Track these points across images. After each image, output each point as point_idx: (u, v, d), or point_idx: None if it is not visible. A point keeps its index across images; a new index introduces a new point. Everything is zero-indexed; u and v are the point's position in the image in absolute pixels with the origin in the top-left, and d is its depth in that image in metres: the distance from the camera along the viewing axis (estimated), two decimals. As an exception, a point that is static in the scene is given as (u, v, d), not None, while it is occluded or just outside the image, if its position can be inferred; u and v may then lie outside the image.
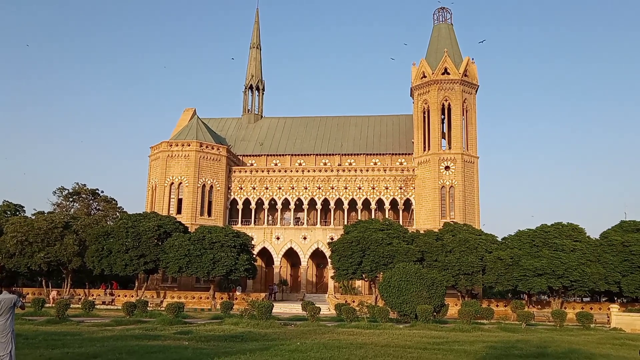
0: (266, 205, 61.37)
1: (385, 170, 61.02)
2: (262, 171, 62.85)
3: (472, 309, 31.27)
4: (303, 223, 61.52)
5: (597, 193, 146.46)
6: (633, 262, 41.09)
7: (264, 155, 67.60)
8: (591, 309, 42.82)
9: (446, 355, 15.56)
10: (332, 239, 55.39)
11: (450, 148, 59.10)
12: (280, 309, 41.02)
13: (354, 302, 42.72)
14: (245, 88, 75.41)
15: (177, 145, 59.82)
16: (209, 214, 59.33)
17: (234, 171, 62.41)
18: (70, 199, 67.33)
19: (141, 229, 45.59)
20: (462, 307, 32.10)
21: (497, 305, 44.54)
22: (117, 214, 62.31)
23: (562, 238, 43.16)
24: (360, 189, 60.50)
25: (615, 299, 48.42)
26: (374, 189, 60.36)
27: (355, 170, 61.40)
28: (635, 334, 27.72)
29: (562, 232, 44.04)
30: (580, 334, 26.13)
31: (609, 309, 36.83)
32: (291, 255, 61.52)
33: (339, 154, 66.13)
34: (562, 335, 24.60)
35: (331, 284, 56.64)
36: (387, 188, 60.21)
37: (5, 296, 11.09)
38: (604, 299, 52.54)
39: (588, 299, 55.49)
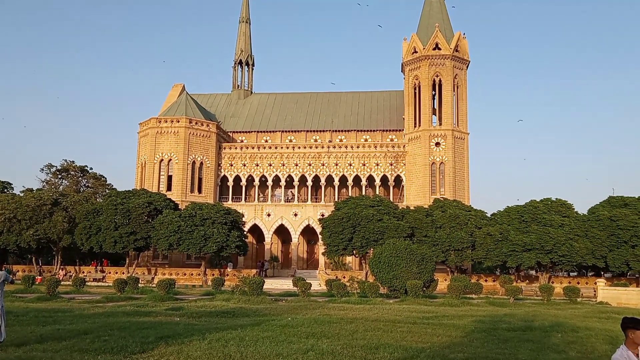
0: (257, 182, 61.23)
1: (375, 147, 60.92)
2: (253, 148, 62.54)
3: (461, 284, 31.62)
4: (294, 200, 61.52)
5: (585, 169, 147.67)
6: (619, 237, 41.62)
7: (254, 131, 67.16)
8: (578, 283, 43.50)
9: (435, 330, 15.74)
10: (322, 215, 55.52)
11: (440, 124, 59.03)
12: (271, 285, 41.26)
13: (344, 277, 43.03)
14: (235, 63, 74.50)
15: (166, 122, 59.23)
16: (199, 191, 59.14)
17: (224, 148, 62.03)
18: (59, 176, 66.77)
19: (131, 206, 45.41)
20: (452, 282, 32.45)
21: (485, 280, 45.10)
22: (107, 191, 61.94)
23: (551, 213, 43.57)
24: (350, 165, 60.44)
25: (602, 273, 49.16)
26: (364, 165, 60.34)
27: (346, 147, 61.28)
28: (620, 307, 28.21)
29: (551, 207, 44.44)
30: (567, 307, 26.54)
31: (595, 283, 37.41)
32: (282, 232, 61.64)
33: (329, 131, 65.86)
34: (549, 309, 24.98)
35: (322, 260, 56.94)
36: (377, 164, 60.21)
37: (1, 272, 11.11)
38: (590, 274, 53.32)
39: (575, 273, 56.31)
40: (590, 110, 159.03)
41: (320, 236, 50.09)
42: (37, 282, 36.84)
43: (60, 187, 65.25)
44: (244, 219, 51.06)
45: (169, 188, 57.83)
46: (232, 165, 61.65)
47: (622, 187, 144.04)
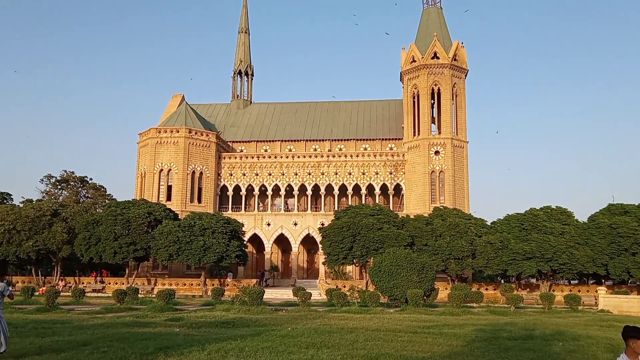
0: (256, 192, 61.22)
1: (375, 156, 60.99)
2: (252, 157, 62.60)
3: (462, 292, 31.54)
4: (293, 209, 61.48)
5: (585, 177, 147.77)
6: (620, 245, 41.50)
7: (254, 141, 67.29)
8: (579, 291, 43.36)
9: (436, 339, 15.68)
10: (322, 224, 55.45)
11: (439, 133, 59.12)
12: (272, 294, 41.13)
13: (344, 287, 42.86)
14: (234, 73, 74.76)
15: (165, 132, 59.34)
16: (199, 201, 59.12)
17: (224, 157, 62.10)
18: (59, 187, 66.69)
19: (131, 216, 45.33)
20: (452, 291, 32.37)
21: (486, 289, 44.96)
22: (107, 202, 61.85)
23: (551, 221, 43.51)
24: (350, 174, 60.47)
25: (603, 281, 49.01)
26: (364, 174, 60.37)
27: (346, 156, 61.33)
28: (622, 315, 28.12)
29: (551, 215, 44.39)
30: (568, 316, 26.45)
31: (596, 291, 37.30)
32: (282, 241, 61.55)
33: (329, 140, 65.97)
34: (550, 318, 24.90)
35: (322, 269, 56.81)
36: (377, 173, 60.24)
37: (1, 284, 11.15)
38: (591, 282, 53.16)
39: (576, 281, 56.15)
40: (590, 117, 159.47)
41: (320, 245, 50.00)
42: (39, 293, 36.81)
43: (60, 197, 65.15)
44: (243, 229, 50.98)
45: (168, 198, 57.83)
46: (231, 174, 61.69)
47: (622, 195, 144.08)
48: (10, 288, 12.25)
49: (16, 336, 15.14)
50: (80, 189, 67.12)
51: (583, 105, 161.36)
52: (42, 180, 66.21)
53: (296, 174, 60.96)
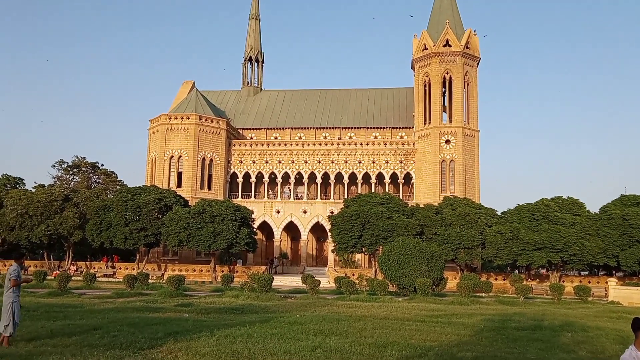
0: (266, 179, 61.30)
1: (385, 144, 60.74)
2: (262, 144, 62.60)
3: (471, 282, 31.50)
4: (303, 197, 61.51)
5: (597, 167, 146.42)
6: (632, 236, 41.18)
7: (264, 128, 67.21)
8: (589, 282, 43.15)
9: (444, 328, 15.69)
10: (332, 212, 55.43)
11: (451, 121, 58.71)
12: (281, 282, 41.31)
13: (353, 275, 42.98)
14: (245, 60, 74.52)
15: (176, 119, 59.47)
16: (209, 188, 59.32)
17: (234, 144, 62.17)
18: (70, 172, 67.25)
19: (141, 202, 45.63)
20: (461, 281, 32.36)
21: (495, 279, 44.86)
22: (117, 187, 62.30)
23: (562, 212, 43.23)
24: (360, 162, 60.33)
25: (614, 272, 48.71)
26: (374, 162, 60.19)
27: (356, 144, 61.13)
28: (632, 307, 27.95)
29: (562, 206, 44.09)
30: (577, 307, 26.34)
31: (606, 282, 37.11)
32: (291, 229, 61.71)
33: (339, 128, 65.73)
34: (559, 309, 24.81)
35: (331, 257, 56.94)
36: (387, 162, 60.03)
37: (12, 267, 11.46)
38: (602, 273, 52.85)
39: (586, 272, 55.85)
40: (603, 108, 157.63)
41: (329, 233, 50.07)
42: (51, 277, 37.33)
43: (72, 183, 65.72)
44: (253, 216, 51.13)
45: (179, 184, 58.07)
46: (241, 162, 61.77)
47: (635, 186, 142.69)
48: (23, 272, 12.40)
49: (28, 319, 15.33)
50: (91, 174, 67.64)
51: (597, 94, 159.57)
52: (54, 165, 66.88)
53: (306, 162, 60.92)
